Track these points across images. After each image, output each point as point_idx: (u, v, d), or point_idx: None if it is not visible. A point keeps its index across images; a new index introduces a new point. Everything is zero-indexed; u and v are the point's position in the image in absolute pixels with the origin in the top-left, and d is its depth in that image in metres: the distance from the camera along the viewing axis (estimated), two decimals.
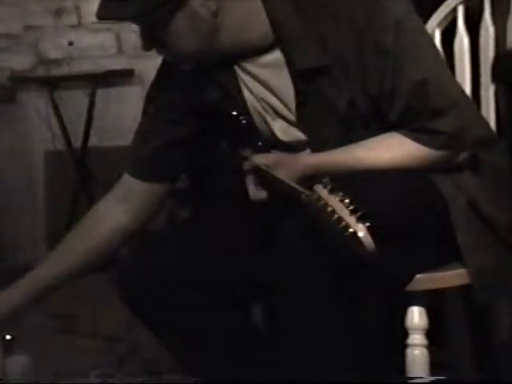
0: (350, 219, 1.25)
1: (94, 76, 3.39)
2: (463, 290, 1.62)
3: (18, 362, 1.64)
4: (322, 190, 1.31)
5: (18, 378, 1.62)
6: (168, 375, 2.03)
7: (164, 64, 1.64)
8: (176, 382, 1.92)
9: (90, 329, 2.58)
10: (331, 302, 1.36)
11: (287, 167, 1.46)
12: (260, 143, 1.54)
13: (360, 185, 1.39)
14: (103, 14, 1.51)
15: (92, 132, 3.39)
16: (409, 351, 1.52)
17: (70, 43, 3.45)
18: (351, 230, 1.24)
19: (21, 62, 3.45)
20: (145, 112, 1.68)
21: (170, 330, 1.60)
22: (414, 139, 1.48)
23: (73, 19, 3.45)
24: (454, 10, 1.84)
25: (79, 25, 3.44)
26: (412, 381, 1.50)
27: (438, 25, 1.85)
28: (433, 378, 1.50)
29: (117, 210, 1.67)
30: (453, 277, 1.52)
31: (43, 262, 1.69)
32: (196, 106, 1.60)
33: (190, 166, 1.69)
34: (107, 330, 2.54)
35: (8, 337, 1.64)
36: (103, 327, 2.57)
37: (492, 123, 1.76)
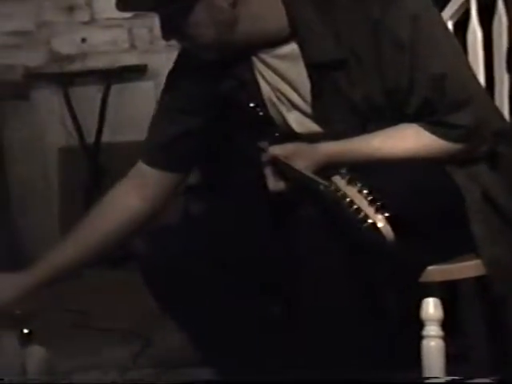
0: (369, 210, 1.25)
1: (107, 72, 3.39)
2: (478, 281, 1.62)
3: (36, 354, 1.65)
4: (340, 181, 1.32)
5: (36, 369, 1.63)
6: (182, 369, 2.04)
7: (181, 54, 1.65)
8: (189, 376, 1.93)
9: (104, 324, 2.59)
10: (347, 292, 1.36)
11: (305, 157, 1.47)
12: (277, 134, 1.54)
13: (377, 175, 1.40)
14: (123, 6, 1.52)
15: (105, 127, 3.40)
16: (424, 343, 1.52)
17: (83, 40, 3.45)
18: (370, 220, 1.25)
19: (34, 58, 3.46)
20: (161, 101, 1.69)
21: (192, 318, 1.60)
22: (432, 132, 1.48)
23: (85, 15, 3.45)
24: (467, 1, 1.84)
25: (92, 21, 3.44)
26: (428, 381, 1.49)
27: (451, 17, 1.85)
28: (449, 378, 1.50)
29: (131, 196, 1.67)
30: (468, 268, 1.52)
31: (57, 246, 1.71)
32: (213, 97, 1.61)
33: (205, 157, 1.70)
34: (121, 325, 2.54)
35: (26, 330, 1.66)
36: (118, 322, 2.57)
37: (506, 114, 1.76)
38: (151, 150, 1.68)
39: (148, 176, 1.68)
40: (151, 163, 1.68)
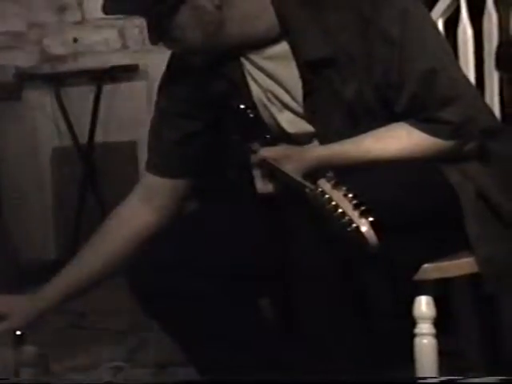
0: (353, 214, 1.25)
1: (99, 72, 3.39)
2: (471, 279, 1.63)
3: (28, 353, 1.65)
4: (325, 184, 1.32)
5: (28, 369, 1.64)
6: (178, 369, 2.04)
7: (173, 58, 1.64)
8: (186, 376, 1.93)
9: (100, 324, 2.59)
10: (339, 294, 1.37)
11: (294, 160, 1.46)
12: (268, 136, 1.54)
13: (365, 177, 1.40)
14: (108, 9, 1.52)
15: (98, 127, 3.40)
16: (417, 340, 1.52)
17: (75, 40, 3.45)
18: (354, 224, 1.25)
19: (26, 59, 3.45)
20: (156, 107, 1.68)
21: (179, 324, 1.60)
22: (422, 129, 1.48)
23: (76, 16, 3.45)
24: None
25: (83, 21, 3.44)
26: (423, 381, 1.49)
27: (442, 14, 1.86)
28: (444, 378, 1.50)
29: (141, 211, 1.67)
30: (461, 265, 1.52)
31: (69, 265, 1.69)
32: (204, 99, 1.60)
33: (208, 159, 1.69)
34: (117, 325, 2.55)
35: (18, 332, 1.66)
36: (113, 322, 2.58)
37: (496, 111, 1.77)
38: (153, 158, 1.68)
39: (154, 186, 1.67)
40: (156, 172, 1.67)
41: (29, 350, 1.65)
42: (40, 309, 1.66)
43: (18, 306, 1.66)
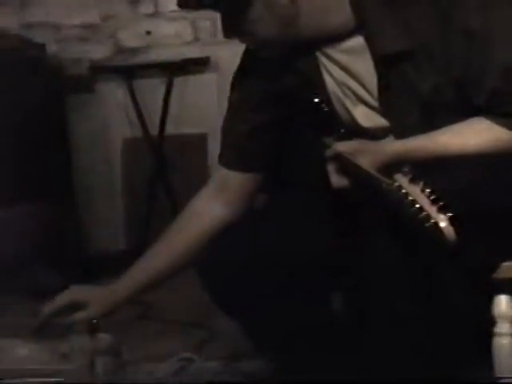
0: (431, 209, 1.23)
1: (171, 64, 3.41)
2: None
3: (103, 341, 1.68)
4: (402, 179, 1.30)
5: (103, 356, 1.66)
6: (246, 361, 2.05)
7: (246, 52, 1.64)
8: (253, 368, 1.94)
9: (168, 315, 2.61)
10: (415, 291, 1.35)
11: (369, 155, 1.45)
12: (342, 130, 1.53)
13: (442, 173, 1.37)
14: (183, 3, 1.53)
15: (168, 119, 3.43)
16: (495, 340, 1.49)
17: (148, 32, 3.48)
18: (432, 220, 1.23)
19: (99, 51, 3.50)
20: (230, 101, 1.69)
21: (249, 317, 1.60)
22: (502, 124, 1.45)
23: (150, 8, 3.48)
24: None
25: (156, 14, 3.48)
26: (503, 381, 1.47)
27: None
28: None
29: (215, 204, 1.68)
30: None
31: (144, 258, 1.71)
32: (278, 93, 1.60)
33: (280, 154, 1.69)
34: (186, 317, 2.56)
35: (94, 321, 1.68)
36: (182, 314, 2.59)
37: None
38: (226, 152, 1.69)
39: (227, 179, 1.68)
40: (229, 166, 1.68)
41: (104, 337, 1.68)
42: (116, 300, 1.69)
43: (97, 296, 1.68)
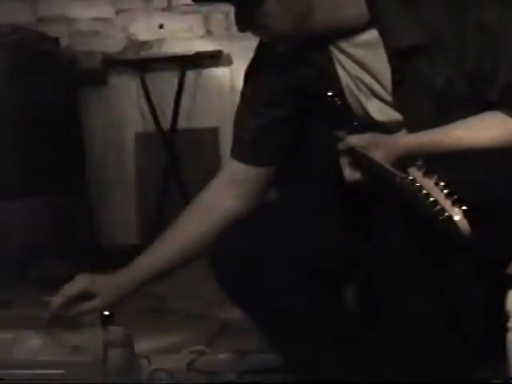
0: (446, 203, 1.23)
1: (184, 58, 3.42)
2: None
3: (115, 333, 1.68)
4: (416, 173, 1.30)
5: (116, 348, 1.67)
6: (258, 354, 2.05)
7: (260, 45, 1.64)
8: (265, 362, 1.94)
9: (180, 307, 2.62)
10: (428, 285, 1.35)
11: (383, 148, 1.44)
12: (355, 124, 1.53)
13: (456, 167, 1.37)
14: None
15: (181, 113, 3.43)
16: (510, 335, 1.48)
17: (161, 26, 3.49)
18: (447, 213, 1.23)
19: (112, 45, 3.51)
20: (243, 95, 1.69)
21: (261, 310, 1.61)
22: None
23: (163, 2, 3.48)
24: None
25: (169, 7, 3.48)
26: None
27: None
28: None
29: (227, 195, 1.67)
30: None
31: (154, 246, 1.71)
32: (291, 87, 1.60)
33: (292, 147, 1.69)
34: (197, 309, 2.57)
35: (106, 312, 1.69)
36: (193, 306, 2.60)
37: None
38: (239, 145, 1.68)
39: (239, 172, 1.68)
40: (241, 159, 1.68)
41: (116, 330, 1.68)
42: (123, 289, 1.68)
43: (105, 285, 1.68)
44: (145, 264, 1.69)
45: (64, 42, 3.39)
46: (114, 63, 3.50)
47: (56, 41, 3.34)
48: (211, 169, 3.26)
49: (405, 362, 1.41)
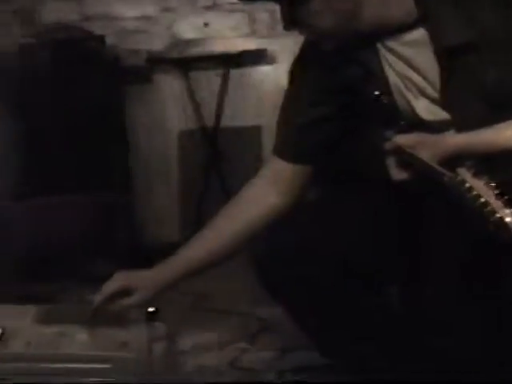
0: (497, 203, 1.23)
1: (228, 56, 3.43)
2: None
3: (159, 330, 1.69)
4: (465, 173, 1.29)
5: (160, 344, 1.67)
6: (298, 353, 2.05)
7: (306, 44, 1.64)
8: (306, 360, 1.94)
9: (222, 305, 2.63)
10: (475, 288, 1.34)
11: (430, 148, 1.43)
12: (402, 123, 1.52)
13: (505, 167, 1.36)
14: None
15: (224, 112, 3.44)
16: None
17: (206, 24, 3.50)
18: (498, 215, 1.22)
19: (157, 43, 3.53)
20: (287, 93, 1.69)
21: (304, 310, 1.60)
22: None
23: (208, 0, 3.49)
24: None
25: (214, 6, 3.49)
26: None
27: None
28: None
29: (267, 193, 1.68)
30: None
31: (192, 242, 1.72)
32: (336, 86, 1.60)
33: (336, 146, 1.69)
34: (239, 307, 2.57)
35: (151, 309, 1.70)
36: (235, 304, 2.60)
37: None
38: (281, 142, 1.69)
39: (280, 170, 1.68)
40: (283, 156, 1.68)
41: (160, 326, 1.69)
42: (160, 284, 1.69)
43: (143, 281, 1.69)
44: (182, 260, 1.70)
45: (109, 41, 3.41)
46: (158, 61, 3.51)
47: (101, 39, 3.37)
48: (253, 167, 3.27)
49: (447, 361, 1.40)
